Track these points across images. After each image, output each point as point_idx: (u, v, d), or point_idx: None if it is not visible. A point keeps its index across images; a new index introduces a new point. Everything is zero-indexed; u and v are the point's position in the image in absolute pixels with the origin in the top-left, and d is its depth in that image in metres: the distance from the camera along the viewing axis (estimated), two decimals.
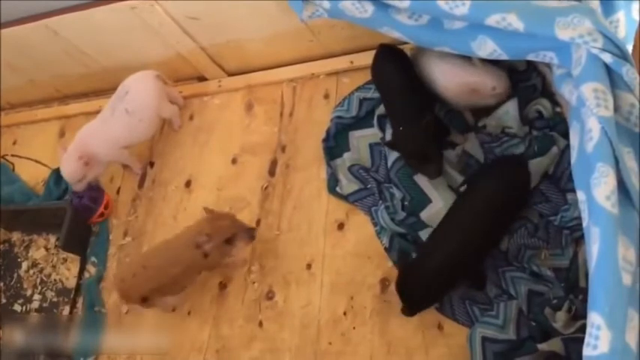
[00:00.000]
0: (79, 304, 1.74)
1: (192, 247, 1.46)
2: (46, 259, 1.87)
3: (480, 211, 1.33)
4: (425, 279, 1.31)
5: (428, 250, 1.38)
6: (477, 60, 1.41)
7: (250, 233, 1.51)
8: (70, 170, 1.72)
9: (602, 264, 0.93)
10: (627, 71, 1.04)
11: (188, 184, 1.80)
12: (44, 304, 1.79)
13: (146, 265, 1.52)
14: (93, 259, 1.80)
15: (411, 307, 1.33)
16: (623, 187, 0.99)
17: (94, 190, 1.82)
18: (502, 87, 1.44)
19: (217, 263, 1.54)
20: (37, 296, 1.81)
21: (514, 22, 1.13)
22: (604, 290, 0.91)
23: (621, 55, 1.05)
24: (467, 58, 1.40)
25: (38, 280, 1.84)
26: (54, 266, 1.84)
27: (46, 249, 1.88)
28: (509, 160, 1.41)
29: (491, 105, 1.47)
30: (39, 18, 1.72)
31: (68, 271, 1.81)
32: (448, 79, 1.45)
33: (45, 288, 1.81)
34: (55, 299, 1.78)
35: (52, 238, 1.89)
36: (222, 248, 1.48)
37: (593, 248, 0.96)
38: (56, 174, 1.96)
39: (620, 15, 1.24)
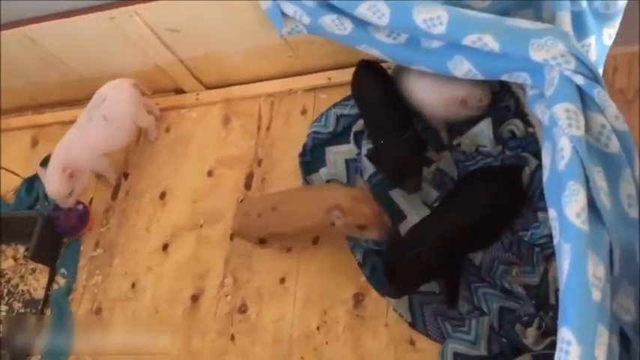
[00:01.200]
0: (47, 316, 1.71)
1: (323, 210, 1.35)
2: (14, 270, 1.82)
3: (478, 202, 1.35)
4: (413, 261, 1.28)
5: (421, 230, 1.36)
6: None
7: (384, 233, 1.37)
8: (56, 186, 1.67)
9: (572, 280, 0.94)
10: (598, 93, 1.07)
11: (162, 195, 1.79)
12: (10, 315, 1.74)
13: (276, 208, 1.44)
14: (62, 270, 1.77)
15: (397, 288, 1.33)
16: (593, 206, 1.01)
17: (81, 210, 1.80)
18: (487, 98, 1.47)
19: (340, 234, 1.45)
20: (3, 307, 1.76)
21: (490, 42, 1.16)
22: (574, 305, 0.93)
23: (593, 77, 1.09)
24: None
25: (5, 291, 1.79)
26: (22, 277, 1.80)
27: (15, 259, 1.84)
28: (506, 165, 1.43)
29: (474, 117, 1.49)
30: (17, 25, 1.70)
31: (37, 282, 1.77)
32: (435, 94, 1.47)
33: (12, 299, 1.77)
34: (22, 310, 1.74)
35: (21, 249, 1.85)
36: (350, 227, 1.37)
37: (564, 264, 0.98)
38: (28, 183, 1.93)
39: (592, 39, 1.28)
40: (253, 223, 1.47)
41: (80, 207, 1.79)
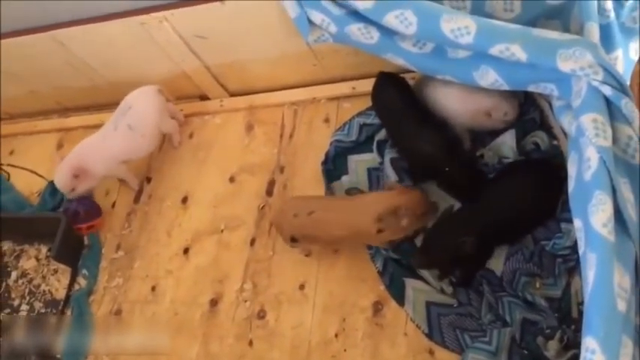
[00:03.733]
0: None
1: (371, 218, 1.36)
2: (36, 270, 1.85)
3: (522, 195, 1.37)
4: (452, 237, 1.32)
5: (467, 218, 1.39)
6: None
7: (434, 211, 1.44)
8: (59, 179, 1.74)
9: (598, 289, 0.94)
10: (626, 104, 1.07)
11: (184, 200, 1.81)
12: (32, 315, 1.76)
13: (312, 213, 1.45)
14: (84, 271, 1.78)
15: (425, 260, 1.37)
16: (619, 217, 1.01)
17: (91, 206, 1.83)
18: (513, 114, 1.47)
19: (384, 241, 1.44)
20: (24, 306, 1.78)
21: (517, 52, 1.16)
22: (599, 315, 0.92)
23: (620, 88, 1.08)
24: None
25: (27, 291, 1.81)
26: (44, 277, 1.82)
27: (37, 259, 1.87)
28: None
29: (499, 129, 1.50)
30: (46, 29, 1.73)
31: (58, 283, 1.79)
32: (460, 104, 1.48)
33: (33, 299, 1.79)
34: (43, 310, 1.76)
35: (44, 249, 1.87)
36: (414, 220, 1.38)
37: (590, 274, 0.97)
38: (52, 185, 1.95)
39: (619, 53, 1.28)
40: (288, 221, 1.48)
41: (88, 206, 1.82)
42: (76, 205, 1.80)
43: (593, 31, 1.17)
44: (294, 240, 1.50)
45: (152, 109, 1.77)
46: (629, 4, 1.26)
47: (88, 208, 1.82)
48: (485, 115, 1.46)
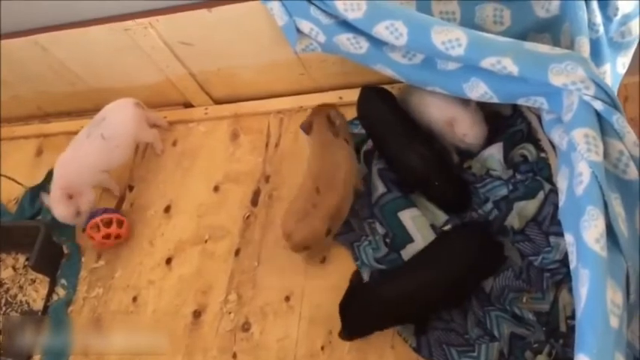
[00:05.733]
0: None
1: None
2: (13, 280, 1.80)
3: (448, 269, 1.34)
4: (374, 307, 1.33)
5: (385, 280, 1.40)
6: (473, 104, 1.45)
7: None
8: (60, 210, 1.67)
9: (591, 306, 0.94)
10: (617, 119, 1.07)
11: (167, 209, 1.78)
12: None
13: (317, 188, 1.45)
14: (63, 281, 1.74)
15: (350, 332, 1.35)
16: (610, 232, 1.01)
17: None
18: (473, 138, 1.47)
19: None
20: (1, 317, 1.73)
21: (509, 65, 1.16)
22: (592, 332, 0.92)
23: (612, 103, 1.09)
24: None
25: (3, 301, 1.76)
26: (21, 287, 1.78)
27: (14, 269, 1.82)
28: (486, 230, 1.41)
29: (461, 148, 1.51)
30: (29, 33, 1.70)
31: (36, 293, 1.75)
32: (435, 110, 1.49)
33: (10, 309, 1.74)
34: None
35: (22, 258, 1.83)
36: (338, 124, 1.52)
37: (582, 290, 0.97)
38: (31, 193, 1.92)
39: (607, 67, 1.29)
40: (311, 214, 1.43)
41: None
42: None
43: (584, 45, 1.17)
44: (328, 233, 1.46)
45: (128, 120, 1.74)
46: (617, 19, 1.26)
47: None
48: (448, 125, 1.47)
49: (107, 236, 1.69)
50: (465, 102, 1.44)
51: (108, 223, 1.68)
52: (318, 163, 1.51)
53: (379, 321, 1.36)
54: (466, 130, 1.46)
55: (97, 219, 1.67)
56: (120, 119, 1.73)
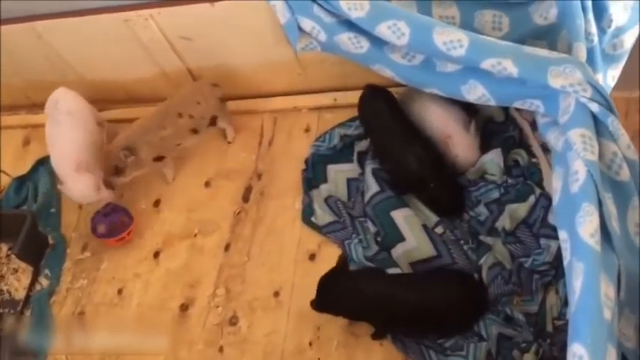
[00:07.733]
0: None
1: None
2: None
3: (425, 296, 1.36)
4: (347, 293, 1.35)
5: (367, 275, 1.44)
6: (472, 129, 1.49)
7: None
8: (82, 187, 1.63)
9: (585, 297, 0.96)
10: (612, 122, 1.11)
11: (157, 203, 1.77)
12: None
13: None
14: (46, 271, 1.72)
15: (319, 305, 1.37)
16: (604, 229, 1.03)
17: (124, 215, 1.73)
18: (463, 160, 1.50)
19: None
20: None
21: (509, 67, 1.19)
22: (587, 323, 0.94)
23: (607, 106, 1.12)
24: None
25: None
26: (2, 276, 1.74)
27: None
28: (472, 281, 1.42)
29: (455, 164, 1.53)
30: (26, 20, 1.69)
31: (18, 282, 1.72)
32: (436, 121, 1.52)
33: None
34: (0, 310, 1.68)
35: (5, 247, 1.79)
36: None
37: (576, 283, 0.99)
38: (17, 182, 1.89)
39: (599, 77, 1.33)
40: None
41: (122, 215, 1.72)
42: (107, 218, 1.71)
43: (581, 51, 1.21)
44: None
45: (74, 97, 1.76)
46: (610, 30, 1.31)
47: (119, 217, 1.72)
48: (445, 139, 1.50)
49: (121, 239, 1.70)
50: (467, 124, 1.49)
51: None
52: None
53: (346, 308, 1.37)
54: (460, 152, 1.50)
55: (124, 234, 1.68)
56: (68, 97, 1.75)
